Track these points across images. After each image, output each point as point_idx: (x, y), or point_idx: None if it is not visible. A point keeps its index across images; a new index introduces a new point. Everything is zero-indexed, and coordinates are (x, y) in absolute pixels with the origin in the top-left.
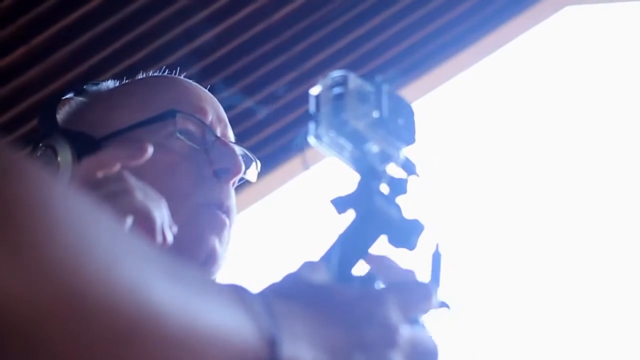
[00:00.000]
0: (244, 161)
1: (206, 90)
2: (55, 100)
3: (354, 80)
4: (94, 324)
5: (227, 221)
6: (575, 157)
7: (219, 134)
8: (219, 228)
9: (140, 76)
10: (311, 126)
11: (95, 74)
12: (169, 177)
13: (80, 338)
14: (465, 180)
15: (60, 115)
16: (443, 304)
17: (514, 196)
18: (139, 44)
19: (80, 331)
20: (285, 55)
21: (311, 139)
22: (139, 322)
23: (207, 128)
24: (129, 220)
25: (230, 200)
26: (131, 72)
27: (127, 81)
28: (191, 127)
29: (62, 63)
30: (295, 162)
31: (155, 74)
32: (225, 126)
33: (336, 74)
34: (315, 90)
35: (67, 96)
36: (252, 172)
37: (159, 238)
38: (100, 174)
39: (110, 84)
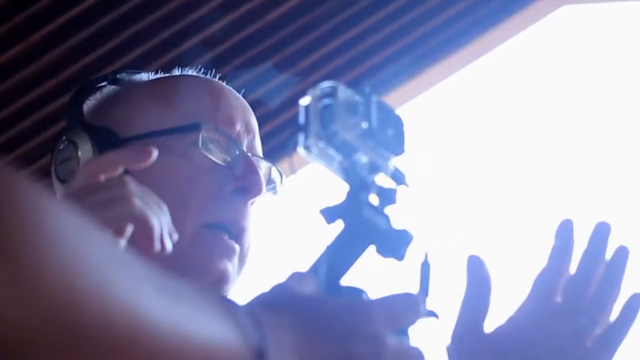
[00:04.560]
0: (267, 172)
1: (238, 96)
2: (83, 91)
3: (343, 91)
4: (89, 343)
5: (236, 246)
6: (572, 158)
7: (245, 147)
8: (227, 252)
9: (176, 72)
10: (300, 137)
11: (91, 72)
12: (187, 188)
13: (73, 354)
14: (458, 185)
15: (89, 104)
16: (431, 314)
17: (506, 201)
18: (135, 43)
19: (76, 350)
20: (278, 55)
21: (300, 150)
22: (133, 340)
23: (233, 141)
24: (130, 228)
25: (245, 221)
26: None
27: (161, 76)
28: (217, 137)
29: (59, 61)
30: (283, 165)
31: (189, 74)
32: (254, 137)
33: (325, 84)
34: (304, 101)
35: (100, 84)
36: (275, 187)
37: (157, 246)
38: (102, 177)
39: (144, 76)
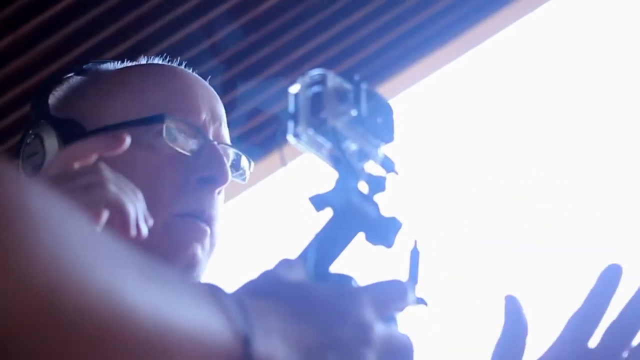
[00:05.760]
0: (236, 159)
1: (204, 84)
2: (48, 85)
3: (333, 79)
4: (70, 327)
5: (207, 228)
6: (566, 150)
7: (211, 135)
8: (199, 236)
9: (141, 60)
10: (290, 124)
11: (82, 63)
12: (153, 180)
13: (57, 342)
14: (445, 176)
15: (56, 95)
16: (421, 301)
17: (494, 191)
18: (126, 34)
19: (56, 335)
20: (268, 48)
21: (290, 137)
22: (114, 324)
23: (198, 131)
24: (106, 213)
25: (213, 210)
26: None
27: (126, 66)
28: (182, 127)
29: (50, 52)
30: (274, 158)
31: (155, 62)
32: (220, 125)
33: (315, 72)
34: (293, 89)
35: (67, 75)
36: (244, 172)
37: (133, 231)
38: (76, 165)
39: (111, 66)
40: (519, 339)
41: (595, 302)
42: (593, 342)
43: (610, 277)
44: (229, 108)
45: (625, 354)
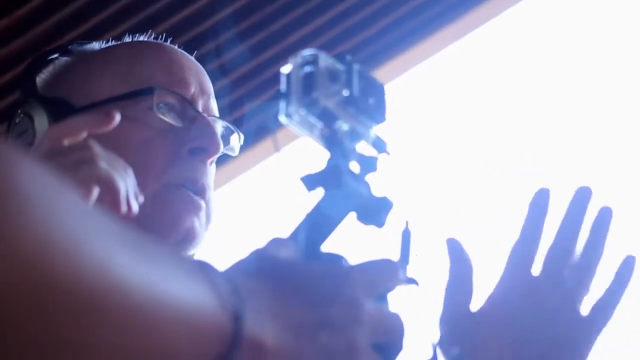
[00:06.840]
0: (226, 133)
1: (191, 59)
2: (36, 64)
3: (325, 59)
4: (60, 299)
5: (202, 202)
6: (559, 136)
7: (200, 108)
8: (193, 208)
9: (127, 40)
10: (282, 105)
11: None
12: (144, 152)
13: (47, 314)
14: (438, 158)
15: (42, 76)
16: (411, 281)
17: (486, 173)
18: (120, 18)
19: (46, 307)
20: (264, 32)
21: (282, 118)
22: (104, 296)
23: (187, 103)
24: (96, 189)
25: (206, 179)
26: None
27: (112, 44)
28: (171, 100)
29: (46, 35)
30: (267, 143)
31: (141, 40)
32: (209, 98)
33: (307, 52)
34: (286, 69)
35: (52, 57)
36: (233, 146)
37: (124, 208)
38: (66, 142)
39: (96, 45)
40: (465, 277)
41: (529, 229)
42: (536, 269)
43: (540, 203)
44: (225, 95)
45: (566, 273)
